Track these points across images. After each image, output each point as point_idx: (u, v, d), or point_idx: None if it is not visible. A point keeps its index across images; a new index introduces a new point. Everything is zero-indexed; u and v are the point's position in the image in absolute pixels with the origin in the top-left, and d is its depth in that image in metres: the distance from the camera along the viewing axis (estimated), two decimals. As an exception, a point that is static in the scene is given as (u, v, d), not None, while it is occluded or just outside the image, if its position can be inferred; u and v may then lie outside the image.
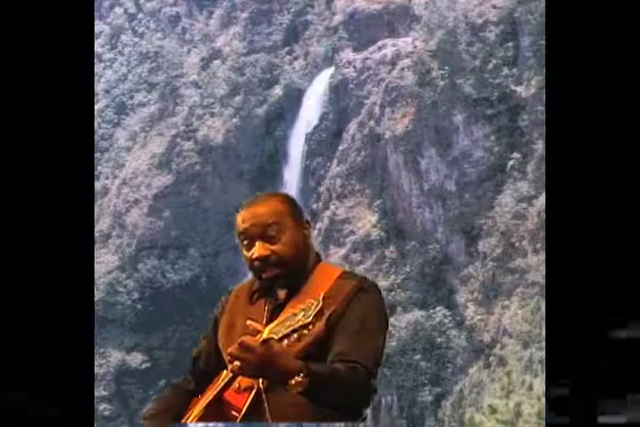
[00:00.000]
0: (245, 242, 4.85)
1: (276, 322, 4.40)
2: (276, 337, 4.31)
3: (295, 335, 4.33)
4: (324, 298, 4.45)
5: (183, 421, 4.82)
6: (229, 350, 4.32)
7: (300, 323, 4.31)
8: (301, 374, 4.30)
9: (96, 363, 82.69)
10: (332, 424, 4.75)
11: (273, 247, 4.79)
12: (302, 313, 4.35)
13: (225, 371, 4.79)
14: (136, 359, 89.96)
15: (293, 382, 4.30)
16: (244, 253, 4.86)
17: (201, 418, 4.72)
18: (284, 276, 4.80)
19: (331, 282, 4.82)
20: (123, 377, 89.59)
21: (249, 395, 4.61)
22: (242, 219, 4.87)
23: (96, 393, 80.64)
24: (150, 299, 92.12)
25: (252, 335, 4.60)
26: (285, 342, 4.32)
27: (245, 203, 4.97)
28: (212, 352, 5.07)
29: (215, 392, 4.64)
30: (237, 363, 4.29)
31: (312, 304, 4.37)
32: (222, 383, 4.62)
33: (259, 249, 4.79)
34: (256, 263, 4.81)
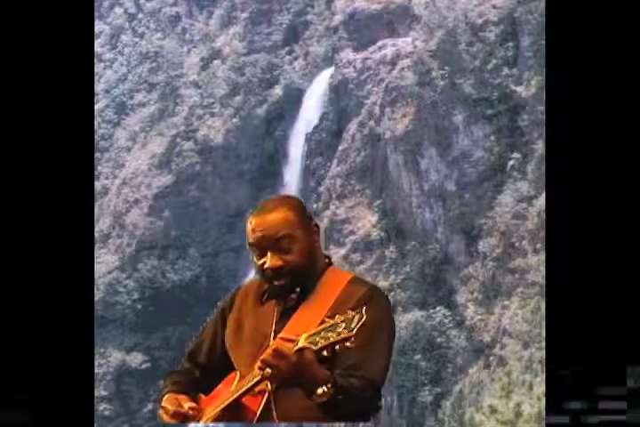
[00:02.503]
0: (257, 251, 4.81)
1: (312, 331, 4.34)
2: (314, 347, 4.29)
3: (337, 348, 4.29)
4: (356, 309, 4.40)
5: (202, 420, 4.82)
6: (263, 357, 4.30)
7: (343, 336, 4.26)
8: (329, 385, 4.34)
9: (96, 363, 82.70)
10: (332, 424, 4.77)
11: (285, 257, 4.77)
12: (344, 325, 4.27)
13: (236, 373, 4.81)
14: (136, 359, 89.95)
15: (320, 391, 4.33)
16: (255, 260, 4.84)
17: (217, 419, 4.73)
18: (296, 283, 4.80)
19: (341, 287, 4.82)
20: (123, 377, 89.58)
21: (262, 398, 4.62)
22: (252, 227, 4.80)
23: (96, 393, 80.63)
24: (150, 299, 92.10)
25: (263, 338, 4.63)
26: (324, 353, 4.29)
27: (255, 208, 4.88)
28: (218, 347, 5.06)
29: (236, 396, 4.62)
30: (269, 370, 4.30)
31: (354, 316, 4.29)
32: (245, 388, 4.59)
33: (271, 260, 4.76)
34: (268, 272, 4.79)
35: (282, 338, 4.43)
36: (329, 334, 4.28)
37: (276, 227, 4.76)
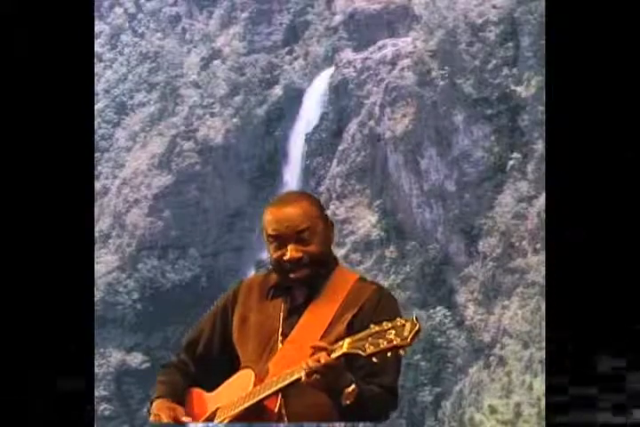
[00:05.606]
0: (275, 244, 4.80)
1: (356, 337, 4.35)
2: (363, 354, 4.29)
3: (389, 355, 4.29)
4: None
5: (219, 421, 4.81)
6: (313, 366, 4.34)
7: (396, 343, 4.25)
8: (353, 386, 4.41)
9: (96, 363, 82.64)
10: (332, 424, 4.78)
11: (306, 248, 4.77)
12: (394, 332, 4.26)
13: (250, 371, 4.80)
14: (136, 359, 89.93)
15: (347, 391, 4.40)
16: (272, 253, 4.82)
17: (237, 419, 4.73)
18: (312, 276, 4.80)
19: (349, 286, 4.84)
20: (123, 377, 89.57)
21: (278, 397, 4.64)
22: (272, 219, 4.79)
23: (96, 393, 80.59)
24: (150, 299, 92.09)
25: (269, 335, 4.65)
26: (374, 359, 4.30)
27: (274, 201, 4.89)
28: (217, 341, 5.03)
29: (260, 397, 4.62)
30: (318, 377, 4.34)
31: (403, 324, 4.29)
32: (271, 390, 4.59)
33: (291, 251, 4.75)
34: (287, 264, 4.77)
35: (314, 347, 4.43)
36: (379, 341, 4.26)
37: (299, 219, 4.76)
